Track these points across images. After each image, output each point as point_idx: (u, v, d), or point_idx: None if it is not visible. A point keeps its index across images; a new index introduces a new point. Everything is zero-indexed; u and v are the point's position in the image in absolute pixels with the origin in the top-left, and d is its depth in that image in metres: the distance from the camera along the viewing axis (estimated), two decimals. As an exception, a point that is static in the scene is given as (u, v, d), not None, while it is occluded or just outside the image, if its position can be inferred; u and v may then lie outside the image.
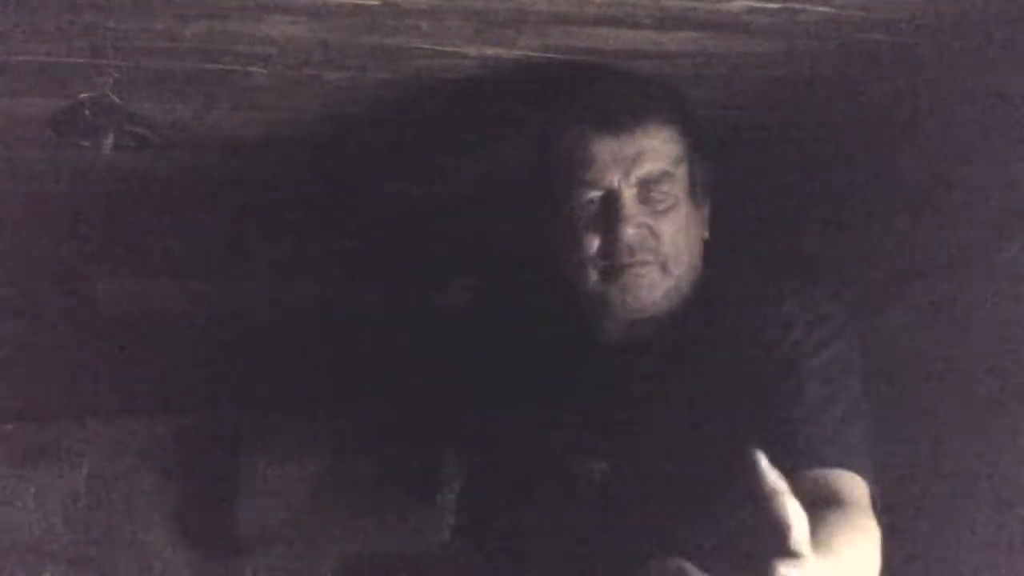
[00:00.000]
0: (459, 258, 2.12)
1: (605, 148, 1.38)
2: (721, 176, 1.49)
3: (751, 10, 1.25)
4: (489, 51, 1.35)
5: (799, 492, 1.26)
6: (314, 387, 2.17)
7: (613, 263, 1.39)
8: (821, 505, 1.21)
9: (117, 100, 1.33)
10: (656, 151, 1.39)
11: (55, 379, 2.13)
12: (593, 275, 1.41)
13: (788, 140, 1.72)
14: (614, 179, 1.38)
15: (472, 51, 1.35)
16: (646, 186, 1.38)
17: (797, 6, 1.24)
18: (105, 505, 2.13)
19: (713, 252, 1.49)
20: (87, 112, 1.33)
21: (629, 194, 1.38)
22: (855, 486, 1.29)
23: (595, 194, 1.39)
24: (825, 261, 1.78)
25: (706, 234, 1.47)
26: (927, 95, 1.52)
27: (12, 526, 2.10)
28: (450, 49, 1.34)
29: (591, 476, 1.41)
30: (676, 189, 1.40)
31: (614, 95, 1.40)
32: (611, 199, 1.38)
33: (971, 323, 1.51)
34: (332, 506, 2.17)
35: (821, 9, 1.25)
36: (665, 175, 1.39)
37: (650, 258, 1.39)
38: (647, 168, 1.38)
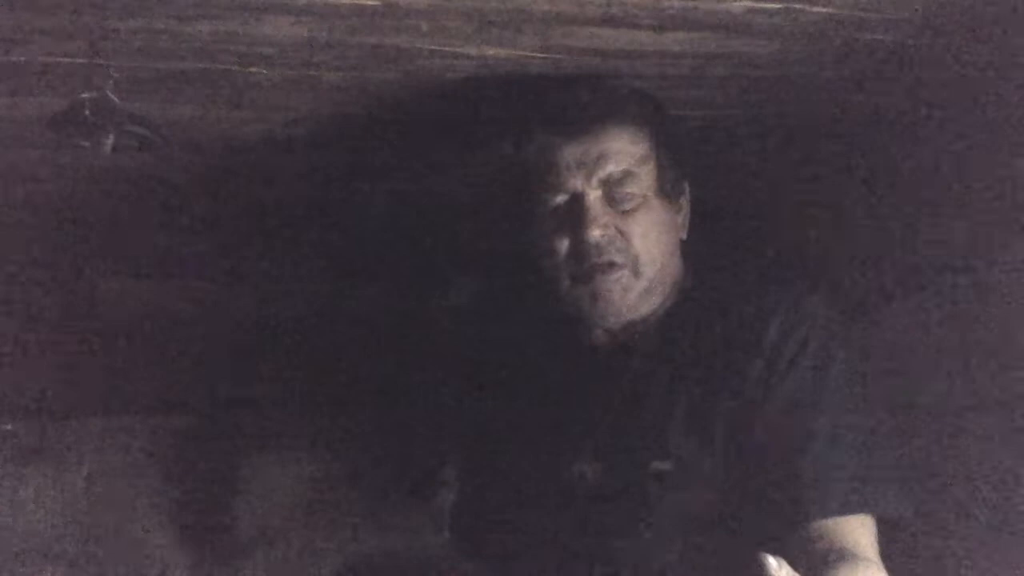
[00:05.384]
0: (459, 258, 2.12)
1: (568, 152, 1.39)
2: (721, 176, 1.49)
3: (751, 10, 1.25)
4: (489, 51, 1.35)
5: (808, 545, 1.28)
6: (314, 387, 2.17)
7: (582, 266, 1.40)
8: (832, 560, 1.24)
9: (117, 100, 1.33)
10: (619, 152, 1.39)
11: (55, 379, 2.13)
12: (565, 280, 1.42)
13: (788, 140, 1.72)
14: (577, 182, 1.39)
15: (472, 51, 1.35)
16: (610, 187, 1.39)
17: (797, 6, 1.24)
18: (105, 505, 2.13)
19: (709, 253, 1.49)
20: (87, 112, 1.32)
21: (594, 196, 1.39)
22: (862, 533, 1.29)
23: (561, 198, 1.41)
24: (825, 261, 1.78)
25: (683, 234, 1.48)
26: (927, 95, 1.51)
27: (12, 526, 2.09)
28: (450, 49, 1.34)
29: (584, 476, 1.41)
30: (642, 188, 1.41)
31: (574, 100, 1.41)
32: (576, 202, 1.40)
33: (972, 323, 1.51)
34: (332, 506, 2.17)
35: (821, 9, 1.25)
36: (628, 175, 1.40)
37: (620, 259, 1.39)
38: (609, 169, 1.39)
